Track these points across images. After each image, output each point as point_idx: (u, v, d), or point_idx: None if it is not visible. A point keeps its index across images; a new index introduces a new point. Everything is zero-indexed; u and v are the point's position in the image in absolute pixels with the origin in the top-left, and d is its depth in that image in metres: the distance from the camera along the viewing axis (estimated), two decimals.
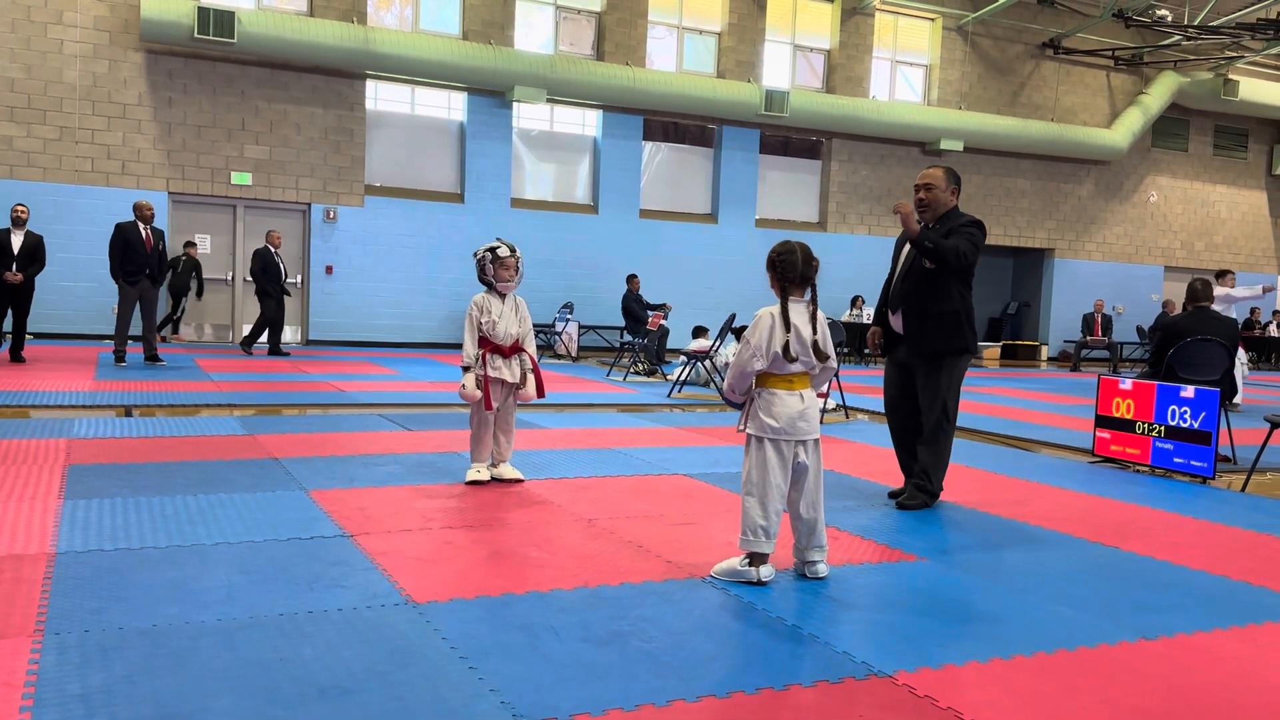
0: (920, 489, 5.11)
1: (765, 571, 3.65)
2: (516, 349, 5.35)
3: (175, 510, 4.41)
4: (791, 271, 3.71)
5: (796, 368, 3.69)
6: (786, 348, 3.65)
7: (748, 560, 3.67)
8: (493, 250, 5.26)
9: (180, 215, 14.90)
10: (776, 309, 3.71)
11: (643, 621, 3.18)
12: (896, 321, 5.19)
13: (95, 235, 13.68)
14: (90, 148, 14.22)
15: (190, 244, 14.71)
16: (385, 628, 3.03)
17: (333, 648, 2.85)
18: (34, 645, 2.77)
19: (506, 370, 5.31)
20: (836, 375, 8.90)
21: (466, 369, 5.24)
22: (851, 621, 3.28)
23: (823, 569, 3.75)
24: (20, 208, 10.78)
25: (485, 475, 5.32)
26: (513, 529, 4.37)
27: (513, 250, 5.30)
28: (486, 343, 5.27)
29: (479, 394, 5.21)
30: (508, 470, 5.40)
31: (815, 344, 3.71)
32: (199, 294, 14.80)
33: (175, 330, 14.89)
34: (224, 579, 3.45)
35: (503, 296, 5.31)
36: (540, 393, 5.39)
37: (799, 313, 3.72)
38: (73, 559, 3.62)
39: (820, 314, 3.79)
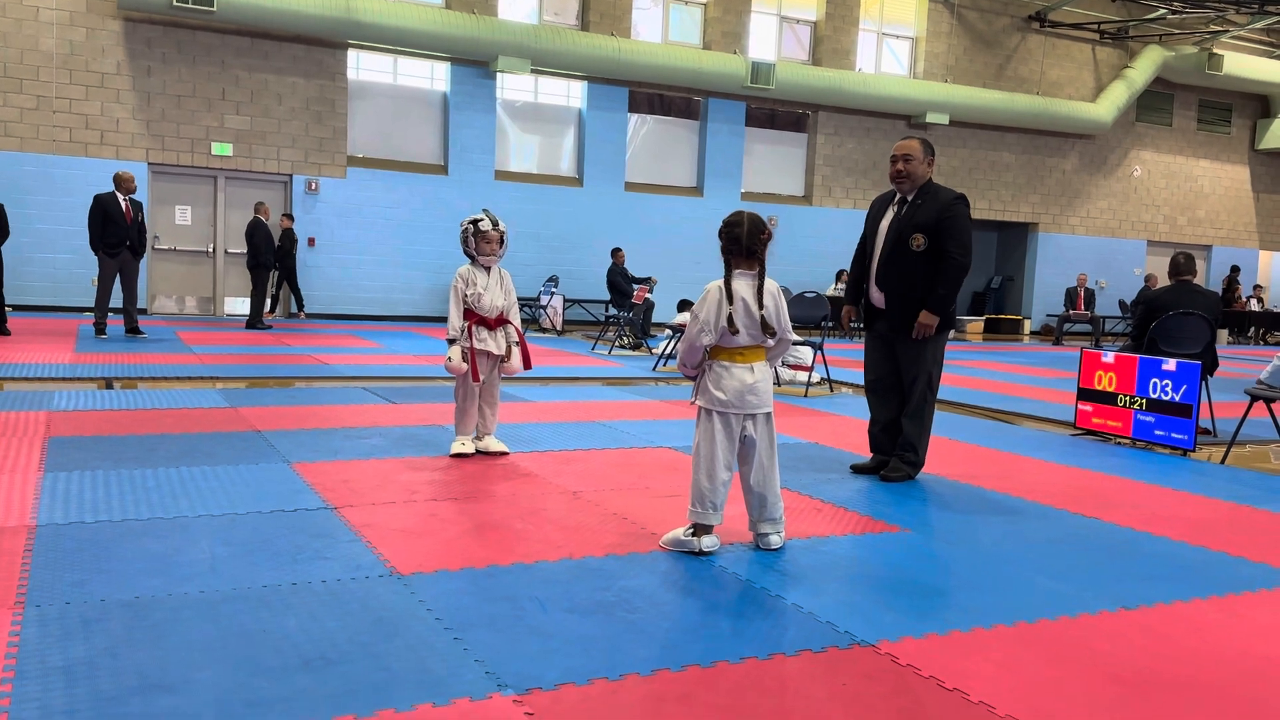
0: (904, 461, 5.14)
1: (707, 542, 3.66)
2: (502, 321, 5.33)
3: (157, 483, 4.38)
4: (736, 245, 3.69)
5: (744, 340, 3.67)
6: (730, 320, 3.63)
7: (692, 530, 3.68)
8: (475, 223, 5.24)
9: (160, 186, 14.74)
10: (723, 282, 3.69)
11: (627, 592, 3.19)
12: (879, 296, 5.19)
13: (74, 206, 13.54)
14: (68, 117, 14.02)
15: (287, 215, 14.81)
16: (369, 599, 3.03)
17: (317, 619, 2.84)
18: (15, 617, 2.75)
19: (492, 342, 5.30)
20: (820, 349, 8.92)
21: (452, 341, 5.22)
22: (834, 592, 3.30)
23: (775, 541, 3.76)
24: None
25: (470, 448, 5.31)
26: (497, 501, 4.36)
27: (496, 223, 5.27)
28: (472, 315, 5.25)
29: (465, 366, 5.19)
30: (493, 443, 5.40)
31: (763, 318, 3.67)
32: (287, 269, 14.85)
33: (273, 309, 14.85)
34: (206, 551, 3.44)
35: (487, 269, 5.29)
36: (526, 364, 5.38)
37: (744, 286, 3.68)
38: (53, 531, 3.59)
39: (772, 286, 3.74)
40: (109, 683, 2.37)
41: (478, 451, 5.36)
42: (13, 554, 3.31)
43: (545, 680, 2.49)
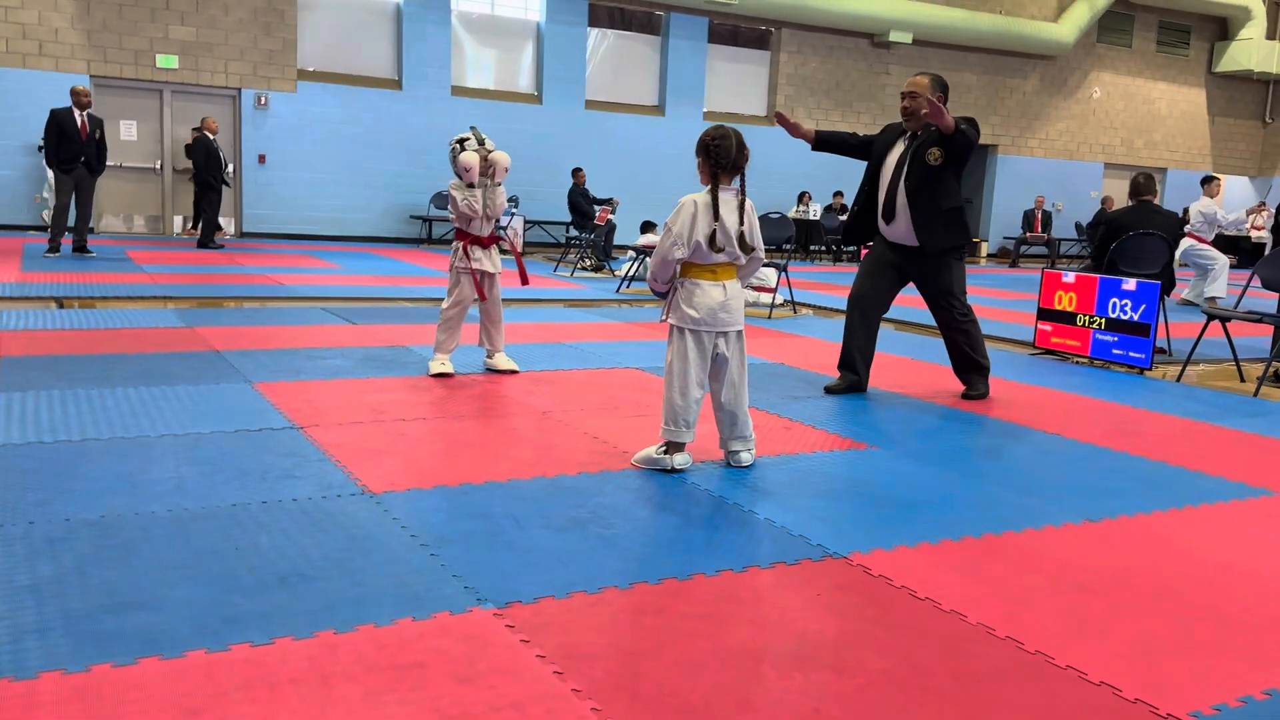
0: (979, 377, 5.36)
1: (679, 460, 3.68)
2: (494, 239, 5.37)
3: (116, 402, 4.29)
4: (725, 158, 3.61)
5: (720, 258, 3.64)
6: (712, 237, 3.58)
7: (664, 448, 3.69)
8: (461, 142, 5.27)
9: (104, 100, 14.18)
10: (703, 197, 3.62)
11: (602, 509, 3.19)
12: (893, 231, 5.16)
13: (15, 120, 13.03)
14: (3, 26, 13.39)
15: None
16: (342, 517, 3.00)
17: (290, 537, 2.82)
18: None
19: (487, 261, 5.35)
20: (784, 271, 8.91)
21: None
22: (806, 507, 3.33)
23: (746, 458, 3.78)
24: None
25: (450, 367, 5.30)
26: (466, 421, 4.34)
27: (482, 141, 5.28)
28: (465, 235, 5.28)
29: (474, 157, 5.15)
30: (503, 360, 5.46)
31: (741, 235, 3.64)
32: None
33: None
34: (172, 470, 3.38)
35: (472, 186, 5.30)
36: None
37: (726, 202, 3.63)
38: (11, 451, 3.51)
39: (749, 204, 3.71)
40: (80, 601, 2.34)
41: (488, 370, 5.43)
42: None
43: (524, 594, 2.49)
